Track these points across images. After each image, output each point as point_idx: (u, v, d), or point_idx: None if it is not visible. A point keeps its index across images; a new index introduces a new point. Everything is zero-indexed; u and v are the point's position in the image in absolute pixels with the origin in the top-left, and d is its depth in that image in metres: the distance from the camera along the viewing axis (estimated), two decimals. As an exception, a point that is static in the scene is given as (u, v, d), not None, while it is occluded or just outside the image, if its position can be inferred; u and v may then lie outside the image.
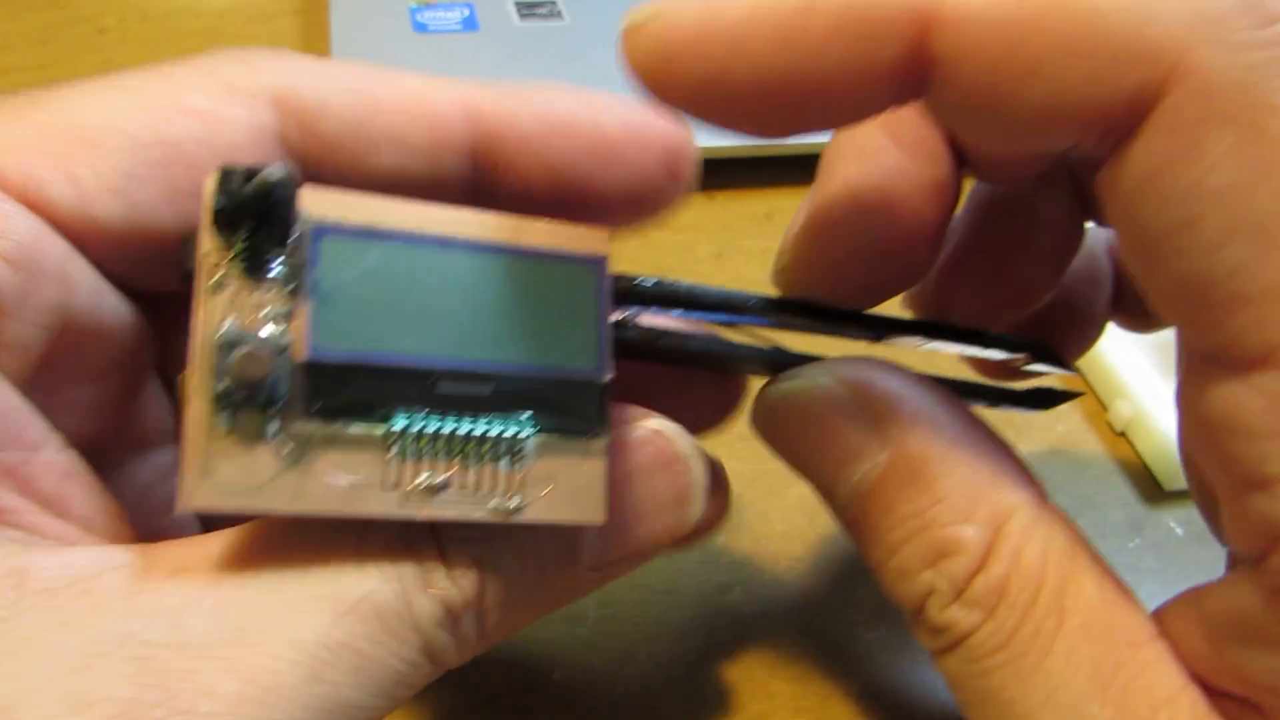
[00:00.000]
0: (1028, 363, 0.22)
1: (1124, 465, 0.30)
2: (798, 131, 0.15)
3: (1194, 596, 0.16)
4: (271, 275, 0.14)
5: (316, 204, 0.15)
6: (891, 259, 0.18)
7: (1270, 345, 0.13)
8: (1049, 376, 0.24)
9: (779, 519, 0.27)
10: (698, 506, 0.17)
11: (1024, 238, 0.20)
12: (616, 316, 0.17)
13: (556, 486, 0.16)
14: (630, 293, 0.17)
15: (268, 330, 0.14)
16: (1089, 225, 0.22)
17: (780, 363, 0.18)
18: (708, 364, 0.18)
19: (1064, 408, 0.31)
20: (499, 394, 0.15)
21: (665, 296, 0.17)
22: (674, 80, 0.15)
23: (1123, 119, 0.13)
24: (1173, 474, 0.29)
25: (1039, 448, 0.29)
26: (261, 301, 0.14)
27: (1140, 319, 0.25)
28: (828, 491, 0.18)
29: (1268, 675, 0.15)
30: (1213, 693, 0.15)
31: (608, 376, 0.16)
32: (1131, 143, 0.14)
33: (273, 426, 0.14)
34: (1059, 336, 0.23)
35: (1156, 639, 0.16)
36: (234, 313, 0.14)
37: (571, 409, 0.16)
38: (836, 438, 0.17)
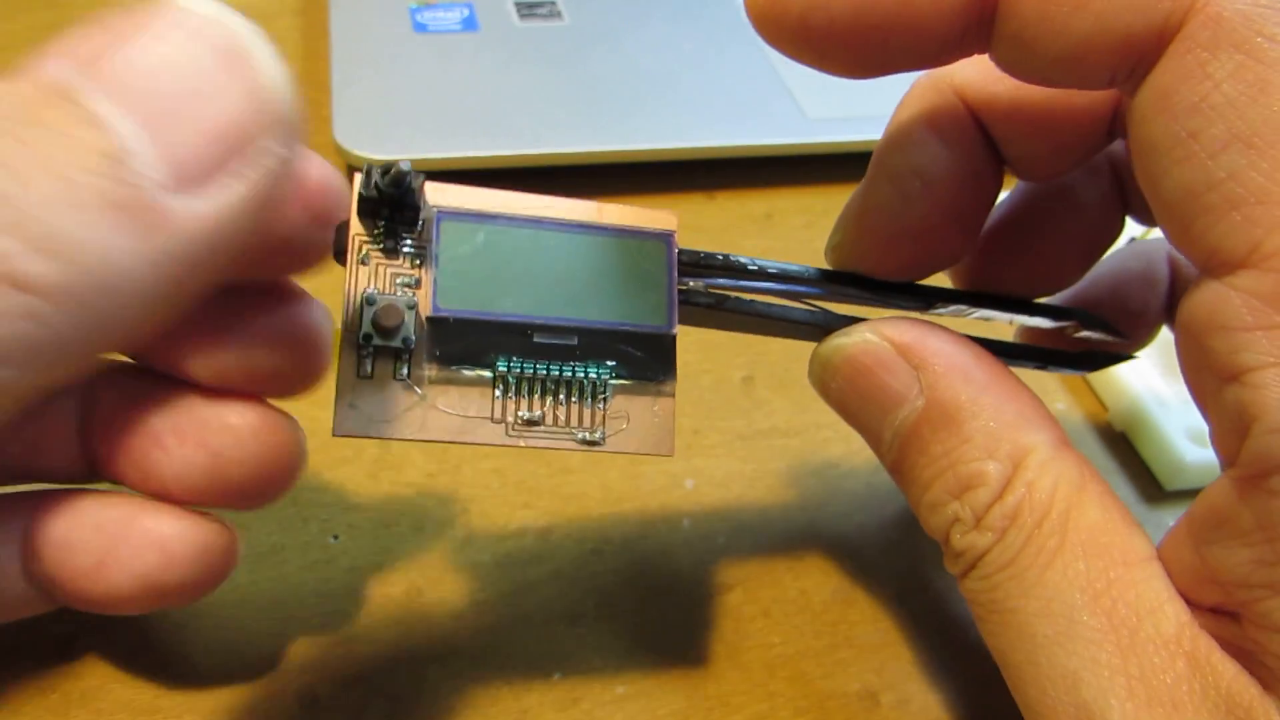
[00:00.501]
0: (1077, 330, 0.24)
1: (1124, 465, 0.30)
2: (885, 69, 0.18)
3: (1185, 516, 0.18)
4: (404, 251, 0.18)
5: (438, 195, 0.18)
6: (930, 239, 0.21)
7: (1252, 244, 0.15)
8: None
9: (779, 519, 0.27)
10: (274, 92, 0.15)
11: (1059, 219, 0.22)
12: (690, 284, 0.20)
13: (631, 422, 0.19)
14: (702, 264, 0.20)
15: (400, 293, 0.18)
16: (1151, 232, 0.24)
17: (830, 326, 0.21)
18: (767, 326, 0.21)
19: (1063, 408, 0.32)
20: (584, 345, 0.19)
21: (732, 268, 0.20)
22: (784, 9, 0.17)
23: (1151, 48, 0.16)
24: (1173, 474, 0.29)
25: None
26: (396, 272, 0.18)
27: None
28: (875, 436, 0.20)
29: (1239, 569, 0.16)
30: (1199, 609, 0.17)
31: (675, 331, 0.19)
32: (1152, 68, 0.16)
33: (403, 370, 0.18)
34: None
35: (1152, 560, 0.17)
36: (375, 280, 0.18)
37: (644, 358, 0.19)
38: (881, 386, 0.20)
